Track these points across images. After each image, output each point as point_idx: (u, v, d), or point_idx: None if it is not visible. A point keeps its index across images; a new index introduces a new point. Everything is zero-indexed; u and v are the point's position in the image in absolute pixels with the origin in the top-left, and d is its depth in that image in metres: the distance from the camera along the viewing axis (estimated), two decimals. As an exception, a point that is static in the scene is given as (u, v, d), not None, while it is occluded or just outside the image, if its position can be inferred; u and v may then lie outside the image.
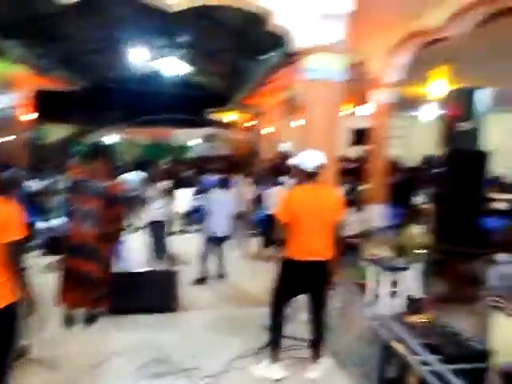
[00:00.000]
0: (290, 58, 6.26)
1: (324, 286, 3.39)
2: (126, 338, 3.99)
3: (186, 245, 7.91)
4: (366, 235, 6.05)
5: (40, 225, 6.90)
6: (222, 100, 17.62)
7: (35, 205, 7.14)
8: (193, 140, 19.84)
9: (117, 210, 4.37)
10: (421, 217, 6.08)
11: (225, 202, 5.74)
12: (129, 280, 4.63)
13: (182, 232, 8.48)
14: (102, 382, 3.32)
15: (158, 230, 6.08)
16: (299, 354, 3.64)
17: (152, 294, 4.58)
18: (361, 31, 5.72)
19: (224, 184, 5.99)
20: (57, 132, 17.44)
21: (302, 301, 3.53)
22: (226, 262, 6.02)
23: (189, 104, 19.06)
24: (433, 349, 2.89)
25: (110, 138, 18.99)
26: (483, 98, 5.37)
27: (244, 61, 11.61)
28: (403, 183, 9.00)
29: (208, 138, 19.58)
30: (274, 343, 3.39)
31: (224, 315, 4.66)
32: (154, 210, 5.96)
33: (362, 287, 4.70)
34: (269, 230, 6.70)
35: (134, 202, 7.10)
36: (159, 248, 6.14)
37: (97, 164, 4.34)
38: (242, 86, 12.93)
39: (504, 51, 6.38)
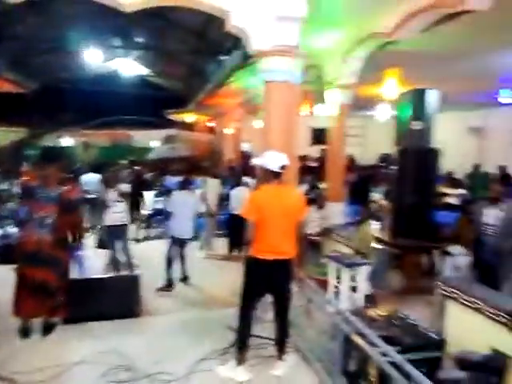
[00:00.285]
0: (249, 59, 6.31)
1: (288, 285, 3.44)
2: (87, 346, 3.88)
3: (148, 248, 7.84)
4: (326, 233, 6.19)
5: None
6: (182, 101, 17.45)
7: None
8: (153, 141, 19.50)
9: (73, 215, 4.26)
10: (377, 213, 6.31)
11: (187, 204, 5.69)
12: (88, 287, 4.51)
13: (145, 239, 8.30)
14: (62, 394, 3.22)
15: (118, 234, 5.93)
16: (265, 352, 3.68)
17: (113, 300, 4.47)
18: (316, 34, 5.89)
19: (186, 185, 5.94)
20: (9, 135, 16.64)
21: (266, 300, 3.57)
22: (189, 264, 5.97)
23: (148, 105, 18.75)
24: (391, 340, 3.01)
25: (66, 141, 18.35)
26: (433, 98, 5.64)
27: (203, 62, 11.55)
28: (361, 181, 9.30)
29: (169, 139, 19.30)
30: (241, 344, 3.41)
31: (189, 318, 4.63)
32: (114, 214, 5.82)
33: (323, 284, 4.81)
34: (234, 230, 6.72)
35: (94, 205, 6.92)
36: (121, 252, 6.00)
37: (50, 169, 4.20)
38: (201, 87, 12.85)
39: (449, 55, 6.75)
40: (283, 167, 3.36)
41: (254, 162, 4.06)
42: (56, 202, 4.03)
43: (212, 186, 7.59)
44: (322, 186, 7.61)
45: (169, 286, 5.55)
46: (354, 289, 4.63)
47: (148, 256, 6.62)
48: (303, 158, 13.19)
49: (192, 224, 5.76)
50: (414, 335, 3.23)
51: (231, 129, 15.52)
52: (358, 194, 8.44)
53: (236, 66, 8.10)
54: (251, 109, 12.04)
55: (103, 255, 6.10)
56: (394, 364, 2.50)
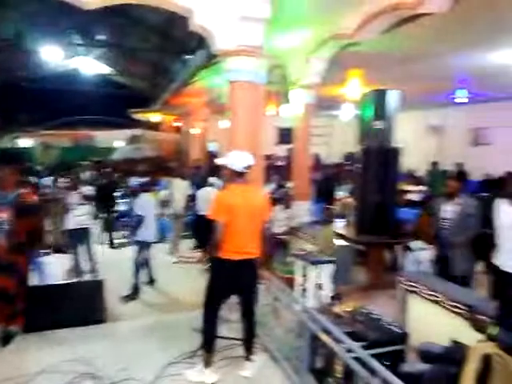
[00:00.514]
0: (213, 58, 6.27)
1: (254, 285, 3.45)
2: (50, 355, 3.74)
3: (113, 251, 7.66)
4: (293, 232, 6.25)
5: None
6: (146, 100, 17.15)
7: None
8: (117, 142, 19.06)
9: (31, 219, 4.10)
10: (340, 213, 6.43)
11: (151, 206, 5.59)
12: (49, 294, 4.36)
13: (110, 243, 8.08)
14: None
15: (80, 238, 5.76)
16: (233, 353, 3.68)
17: (76, 306, 4.35)
18: (280, 34, 5.93)
19: (151, 186, 5.84)
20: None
21: (232, 300, 3.56)
22: (158, 267, 5.88)
23: (111, 105, 18.31)
24: (356, 336, 3.08)
25: (24, 142, 17.64)
26: (393, 99, 5.80)
27: (167, 61, 11.40)
28: (326, 180, 9.45)
29: (133, 140, 18.94)
30: (208, 346, 3.39)
31: (155, 322, 4.56)
32: (75, 217, 5.64)
33: (290, 282, 4.85)
34: (200, 231, 6.66)
35: (55, 207, 6.67)
36: (85, 257, 5.83)
37: (6, 171, 4.03)
38: (166, 86, 12.67)
39: (409, 57, 6.97)
40: (248, 167, 3.35)
41: (219, 161, 4.03)
42: (12, 206, 3.87)
43: (178, 187, 7.49)
44: (289, 185, 7.68)
45: (135, 293, 5.40)
46: (320, 286, 4.69)
47: (113, 259, 6.47)
48: (270, 158, 13.28)
49: (157, 226, 5.66)
50: (378, 330, 3.31)
51: (198, 129, 15.39)
52: (323, 192, 8.57)
53: (201, 65, 8.03)
54: (217, 108, 11.98)
55: (65, 260, 5.91)
56: (359, 359, 2.55)
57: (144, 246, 5.46)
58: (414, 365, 3.08)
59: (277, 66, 7.04)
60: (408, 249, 5.69)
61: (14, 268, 3.92)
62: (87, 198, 5.86)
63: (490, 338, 2.67)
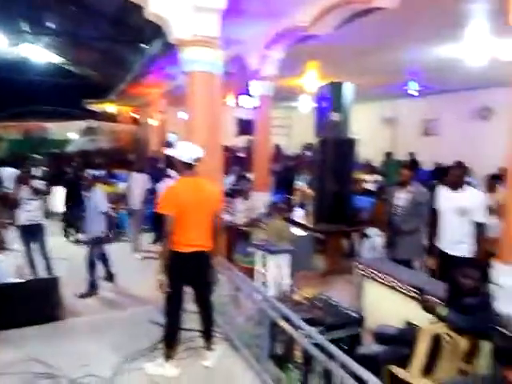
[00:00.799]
0: (170, 48, 6.16)
1: (208, 276, 3.45)
2: (4, 355, 3.59)
3: (67, 248, 7.42)
4: (253, 223, 6.29)
5: None
6: (102, 90, 16.57)
7: None
8: (72, 133, 18.35)
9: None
10: (301, 201, 6.54)
11: (106, 199, 5.43)
12: (1, 293, 4.17)
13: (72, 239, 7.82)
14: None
15: (33, 234, 5.53)
16: (194, 344, 3.68)
17: (31, 304, 4.18)
18: (238, 25, 5.90)
19: (107, 179, 5.69)
20: None
21: (189, 292, 3.56)
22: (116, 262, 5.75)
23: (65, 95, 17.55)
24: (314, 321, 3.17)
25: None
26: (349, 91, 5.94)
27: (122, 50, 11.05)
28: (286, 171, 9.57)
29: (89, 131, 18.29)
30: (169, 339, 3.37)
31: (114, 318, 4.48)
32: (26, 213, 5.40)
33: (251, 272, 4.91)
34: (160, 225, 6.56)
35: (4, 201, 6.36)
36: (39, 254, 5.61)
37: None
38: (122, 76, 12.30)
39: (362, 51, 7.14)
40: (197, 159, 3.32)
41: (167, 152, 3.98)
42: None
43: (137, 181, 7.31)
44: (249, 176, 7.72)
45: (92, 290, 5.27)
46: (279, 275, 4.78)
47: (74, 255, 6.25)
48: (230, 149, 13.26)
49: (110, 220, 5.51)
50: (336, 315, 3.42)
51: (156, 120, 15.09)
52: (283, 183, 8.69)
53: (157, 54, 7.87)
54: (175, 99, 11.79)
55: (16, 258, 5.66)
56: (317, 344, 2.63)
57: (98, 241, 5.32)
58: (369, 347, 3.22)
59: (236, 57, 7.02)
60: (364, 236, 5.90)
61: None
62: (39, 193, 5.62)
63: (440, 319, 2.83)
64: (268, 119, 7.25)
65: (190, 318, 3.81)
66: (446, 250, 4.05)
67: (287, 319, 3.00)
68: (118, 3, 7.71)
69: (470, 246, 3.95)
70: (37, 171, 8.05)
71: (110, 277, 5.66)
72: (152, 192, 7.12)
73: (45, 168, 9.53)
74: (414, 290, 3.43)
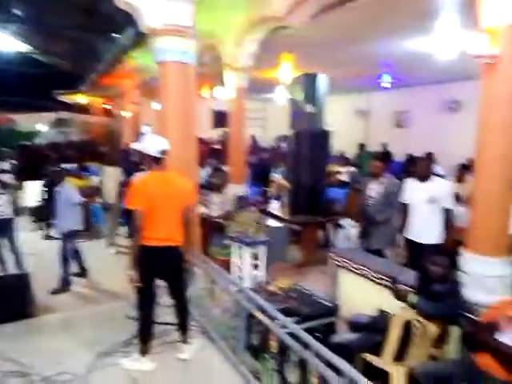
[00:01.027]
0: (142, 38, 6.03)
1: (180, 270, 3.42)
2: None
3: (38, 243, 7.22)
4: (229, 215, 6.28)
5: None
6: (73, 81, 16.07)
7: None
8: (42, 125, 17.78)
9: None
10: (277, 193, 6.57)
11: (77, 193, 5.30)
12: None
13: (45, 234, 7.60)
14: None
15: (2, 229, 5.35)
16: (170, 338, 3.67)
17: (1, 302, 4.06)
18: (212, 15, 5.82)
19: (78, 173, 5.56)
20: None
21: (164, 286, 3.54)
22: (91, 257, 5.64)
23: (34, 86, 16.95)
24: (290, 312, 3.21)
25: None
26: (323, 83, 5.97)
27: (93, 39, 10.73)
28: (261, 163, 9.58)
29: (59, 123, 17.77)
30: (144, 333, 3.35)
31: (88, 314, 4.41)
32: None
33: (227, 264, 4.92)
34: (130, 219, 6.46)
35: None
36: (8, 249, 5.44)
37: None
38: (93, 67, 11.97)
39: (337, 42, 7.18)
40: (163, 152, 3.27)
41: (133, 146, 3.90)
42: None
43: (110, 174, 7.18)
44: (226, 168, 7.68)
45: (65, 285, 5.16)
46: (255, 266, 4.81)
47: (47, 251, 6.09)
48: (207, 141, 13.15)
49: (82, 214, 5.39)
50: (311, 305, 3.48)
51: (129, 111, 14.78)
52: (259, 175, 8.70)
53: (130, 44, 7.69)
54: (149, 90, 11.58)
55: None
56: (292, 334, 2.67)
57: (70, 235, 5.21)
58: (343, 335, 3.28)
59: (210, 48, 6.93)
60: (339, 226, 5.99)
61: None
62: (7, 187, 5.43)
63: (411, 306, 2.91)
64: (243, 111, 7.22)
65: (166, 312, 3.79)
66: (416, 239, 4.16)
67: (263, 310, 3.02)
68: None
69: (439, 233, 4.06)
70: (4, 164, 7.80)
71: (83, 272, 5.55)
72: (125, 185, 6.99)
73: (13, 161, 9.24)
74: (387, 279, 3.51)
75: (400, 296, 2.98)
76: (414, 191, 4.24)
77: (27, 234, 7.28)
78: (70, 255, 5.23)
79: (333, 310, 3.53)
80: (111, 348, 3.54)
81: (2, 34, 12.90)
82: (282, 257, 5.68)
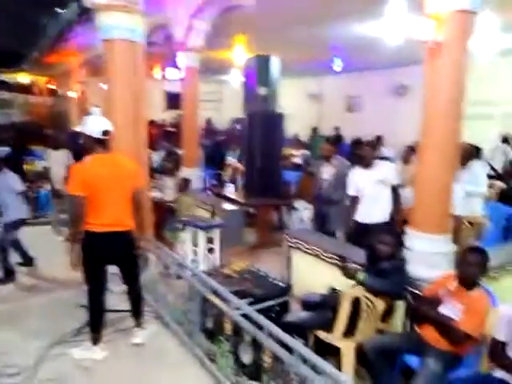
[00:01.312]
0: (86, 13, 5.72)
1: (131, 255, 3.34)
2: None
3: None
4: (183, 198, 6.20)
5: None
6: (13, 59, 15.03)
7: None
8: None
9: None
10: (232, 176, 6.56)
11: (18, 179, 4.99)
12: None
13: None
14: None
15: None
16: (122, 325, 3.61)
17: None
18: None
19: (19, 158, 5.23)
20: None
21: (115, 272, 3.45)
22: (37, 245, 5.36)
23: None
24: (244, 294, 3.24)
25: None
26: (275, 65, 5.95)
27: (35, 14, 10.06)
28: (216, 145, 9.50)
29: (-1, 104, 16.63)
30: (94, 321, 3.26)
31: (36, 304, 4.21)
32: None
33: (181, 248, 4.87)
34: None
35: None
36: None
37: None
38: (35, 43, 11.25)
39: (288, 24, 7.15)
40: (106, 132, 3.14)
41: (77, 129, 3.74)
42: None
43: (57, 158, 6.76)
44: (179, 151, 7.54)
45: (8, 275, 4.89)
46: (210, 250, 4.80)
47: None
48: (160, 124, 12.81)
49: (24, 202, 5.09)
50: (264, 286, 3.52)
51: (76, 91, 14.07)
52: (213, 158, 8.63)
53: (73, 20, 7.27)
54: (96, 69, 11.05)
55: None
56: (246, 316, 2.70)
57: (15, 225, 4.92)
58: (296, 314, 3.37)
59: (160, 27, 6.70)
60: (293, 209, 6.09)
61: None
62: None
63: (359, 283, 3.03)
64: (196, 92, 7.08)
65: (120, 299, 3.71)
66: (366, 221, 4.24)
67: (217, 293, 3.03)
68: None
69: (386, 212, 4.19)
70: None
71: (28, 261, 5.28)
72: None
73: None
74: (337, 258, 3.63)
75: (349, 274, 3.09)
76: (360, 180, 4.25)
77: None
78: (8, 245, 4.94)
79: (286, 290, 3.60)
80: (61, 338, 3.43)
81: None
82: (238, 240, 5.70)
